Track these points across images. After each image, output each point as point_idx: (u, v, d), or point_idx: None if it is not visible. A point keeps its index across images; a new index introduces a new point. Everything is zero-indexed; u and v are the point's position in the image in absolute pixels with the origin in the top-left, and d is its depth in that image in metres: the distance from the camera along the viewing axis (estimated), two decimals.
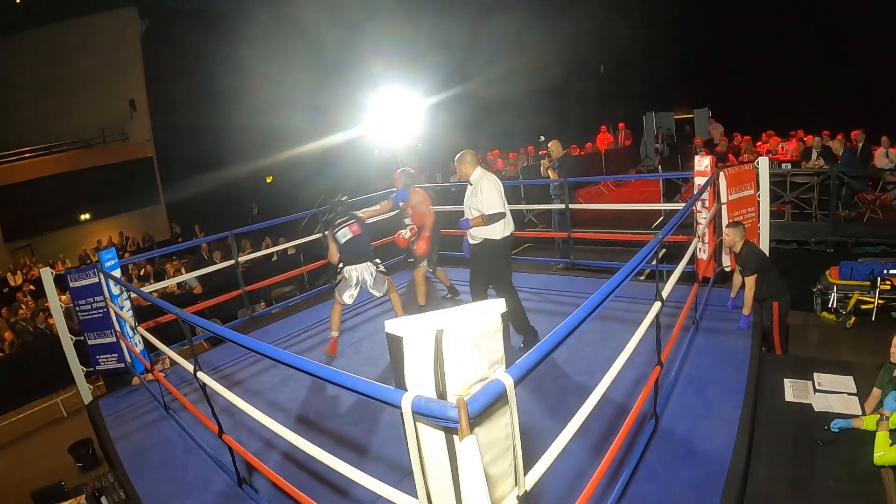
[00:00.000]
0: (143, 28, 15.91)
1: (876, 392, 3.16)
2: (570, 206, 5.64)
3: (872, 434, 2.67)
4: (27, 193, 14.69)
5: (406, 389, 1.26)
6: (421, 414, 1.21)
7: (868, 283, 6.26)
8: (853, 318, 6.32)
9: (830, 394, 3.15)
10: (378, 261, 4.44)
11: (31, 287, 11.41)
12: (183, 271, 9.69)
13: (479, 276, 4.01)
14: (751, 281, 3.92)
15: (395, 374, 1.29)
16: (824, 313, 6.60)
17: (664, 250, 3.73)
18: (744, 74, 12.70)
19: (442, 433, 1.24)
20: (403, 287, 6.09)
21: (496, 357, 1.30)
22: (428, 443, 1.27)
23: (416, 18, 13.30)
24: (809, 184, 7.24)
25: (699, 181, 4.45)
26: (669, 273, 3.24)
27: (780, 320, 4.04)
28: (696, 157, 4.72)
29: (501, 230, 3.89)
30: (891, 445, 2.56)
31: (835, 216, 7.10)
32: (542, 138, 6.78)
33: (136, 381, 4.43)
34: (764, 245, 4.60)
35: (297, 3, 13.73)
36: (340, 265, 4.30)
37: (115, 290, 4.19)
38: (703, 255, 4.43)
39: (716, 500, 2.35)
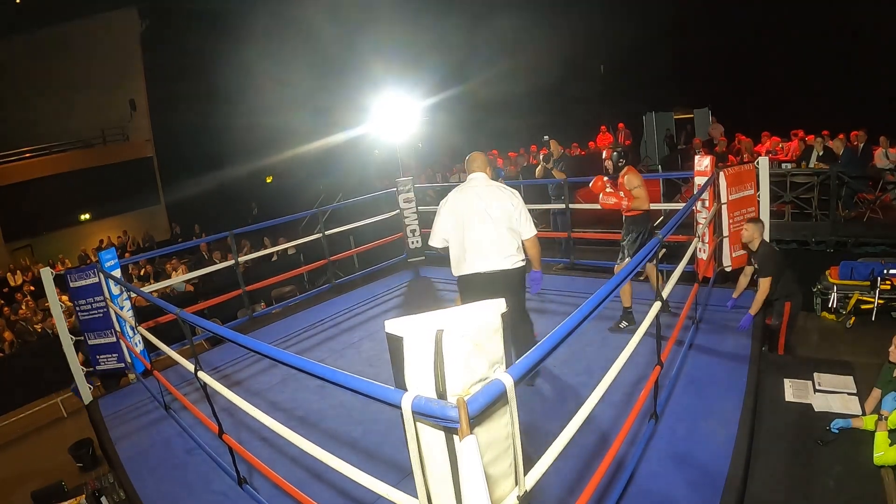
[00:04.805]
0: (143, 28, 15.91)
1: (876, 392, 3.16)
2: (570, 206, 5.65)
3: (872, 434, 2.67)
4: (27, 193, 14.67)
5: (406, 389, 1.26)
6: (421, 414, 1.21)
7: (868, 283, 6.27)
8: (853, 318, 6.32)
9: (830, 394, 3.15)
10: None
11: (31, 287, 11.41)
12: (182, 270, 9.70)
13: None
14: (766, 283, 3.83)
15: (395, 373, 1.29)
16: (824, 313, 6.61)
17: (664, 250, 3.73)
18: (744, 74, 12.68)
19: (442, 433, 1.24)
20: (403, 287, 6.10)
21: (496, 357, 1.30)
22: (428, 443, 1.27)
23: (416, 18, 13.30)
24: (809, 184, 7.24)
25: (699, 181, 4.45)
26: (669, 273, 3.24)
27: (790, 320, 4.04)
28: (696, 157, 4.71)
29: (457, 266, 3.16)
30: (890, 445, 2.56)
31: (835, 216, 7.09)
32: (546, 137, 6.78)
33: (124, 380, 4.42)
34: None
35: (296, 3, 13.73)
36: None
37: (115, 290, 4.19)
38: (703, 255, 4.43)
39: (716, 500, 2.35)
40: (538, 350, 1.44)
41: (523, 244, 3.20)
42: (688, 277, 3.95)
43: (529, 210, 3.26)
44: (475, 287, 3.08)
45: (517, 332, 3.34)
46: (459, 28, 13.07)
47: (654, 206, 8.21)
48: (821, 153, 7.83)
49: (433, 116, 11.14)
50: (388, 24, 13.59)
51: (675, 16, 12.55)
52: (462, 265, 3.10)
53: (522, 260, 3.18)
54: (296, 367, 1.75)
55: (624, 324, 4.17)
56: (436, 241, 3.19)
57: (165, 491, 3.03)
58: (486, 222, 3.04)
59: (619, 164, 4.12)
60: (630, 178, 4.01)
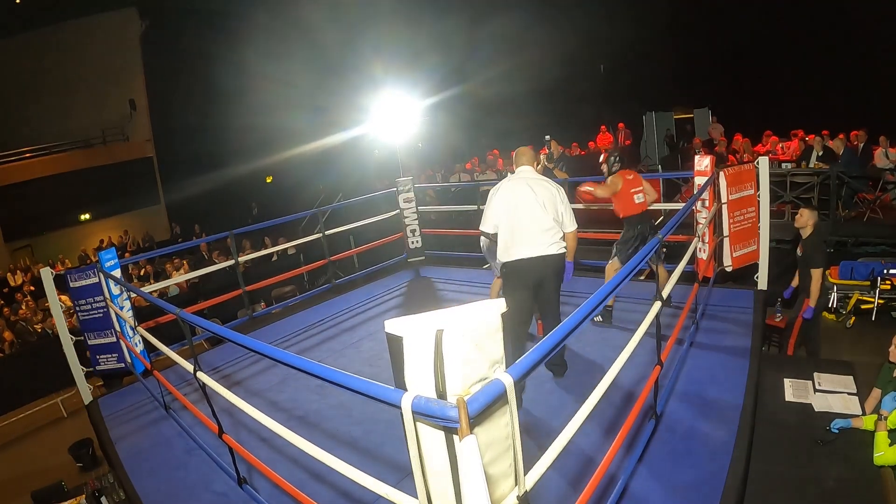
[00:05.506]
0: (143, 28, 15.91)
1: (876, 392, 3.17)
2: (571, 206, 5.64)
3: (872, 434, 2.67)
4: (27, 193, 14.67)
5: (406, 389, 1.26)
6: (421, 414, 1.21)
7: (868, 282, 6.27)
8: (853, 318, 6.32)
9: (830, 394, 3.15)
10: None
11: (31, 287, 11.41)
12: (185, 270, 9.69)
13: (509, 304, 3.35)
14: (818, 274, 4.05)
15: (395, 373, 1.29)
16: (824, 313, 6.60)
17: (664, 250, 3.73)
18: (744, 74, 12.68)
19: (442, 433, 1.24)
20: (403, 287, 6.10)
21: (496, 357, 1.30)
22: (428, 443, 1.27)
23: (417, 18, 13.30)
24: (809, 184, 7.24)
25: (699, 181, 4.45)
26: (669, 273, 3.24)
27: (804, 319, 4.09)
28: (696, 157, 4.71)
29: (505, 251, 3.29)
30: (890, 445, 2.56)
31: (835, 216, 7.10)
32: (548, 137, 6.78)
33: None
34: (764, 245, 4.60)
35: (296, 2, 13.73)
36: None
37: (115, 290, 4.19)
38: (704, 255, 4.43)
39: (716, 500, 2.34)
40: (538, 350, 1.44)
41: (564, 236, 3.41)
42: (688, 277, 3.95)
43: None
44: (521, 272, 3.26)
45: (548, 326, 3.48)
46: (459, 28, 13.07)
47: (654, 206, 8.29)
48: (821, 153, 7.83)
49: (433, 116, 11.14)
50: (387, 23, 13.58)
51: (675, 16, 12.55)
52: (511, 250, 3.25)
53: (564, 248, 3.37)
54: (296, 367, 1.75)
55: (598, 318, 4.27)
56: (487, 227, 3.33)
57: (165, 491, 3.03)
58: (536, 210, 3.21)
59: (613, 169, 4.30)
60: (610, 179, 4.24)
